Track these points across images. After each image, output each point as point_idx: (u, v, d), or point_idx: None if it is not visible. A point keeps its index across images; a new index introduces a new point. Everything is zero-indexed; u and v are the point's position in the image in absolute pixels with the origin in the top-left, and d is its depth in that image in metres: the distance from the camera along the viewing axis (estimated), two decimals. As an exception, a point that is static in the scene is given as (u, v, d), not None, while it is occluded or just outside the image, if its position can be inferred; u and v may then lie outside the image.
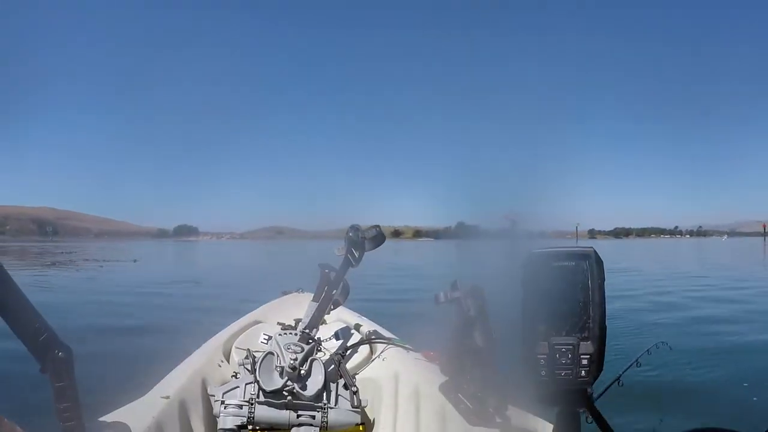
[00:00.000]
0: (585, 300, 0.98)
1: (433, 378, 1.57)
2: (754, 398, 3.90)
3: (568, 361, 0.98)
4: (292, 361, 1.48)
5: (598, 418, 1.12)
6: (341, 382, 1.59)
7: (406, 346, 1.93)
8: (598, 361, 0.99)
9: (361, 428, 1.57)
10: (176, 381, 1.66)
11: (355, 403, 1.54)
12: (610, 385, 1.98)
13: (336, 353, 1.79)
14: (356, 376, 1.77)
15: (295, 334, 1.62)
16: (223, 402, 1.47)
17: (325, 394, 1.52)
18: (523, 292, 1.00)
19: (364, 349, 1.95)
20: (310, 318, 1.70)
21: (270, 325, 2.12)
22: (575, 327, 0.98)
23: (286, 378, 1.47)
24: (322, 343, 1.80)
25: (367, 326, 2.14)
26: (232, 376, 1.68)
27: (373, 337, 1.99)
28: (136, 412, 1.42)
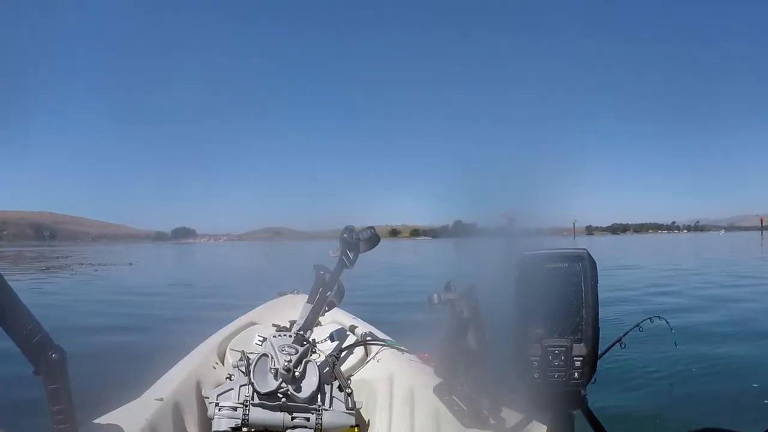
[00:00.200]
0: (578, 302, 0.98)
1: (427, 380, 1.58)
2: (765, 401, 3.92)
3: (561, 363, 0.98)
4: (286, 363, 1.48)
5: (592, 420, 1.13)
6: (336, 383, 1.59)
7: (401, 347, 1.93)
8: (591, 363, 0.99)
9: (355, 430, 1.57)
10: (170, 383, 1.66)
11: (350, 405, 1.54)
12: (611, 346, 1.99)
13: (331, 355, 1.79)
14: (351, 378, 1.77)
15: (290, 336, 1.61)
16: (217, 404, 1.46)
17: (319, 395, 1.51)
18: (516, 293, 1.00)
19: (359, 351, 1.94)
20: (304, 320, 1.70)
21: (265, 326, 2.12)
22: (568, 329, 0.98)
23: (281, 380, 1.47)
24: (317, 345, 1.80)
25: (362, 328, 2.14)
26: (227, 378, 1.68)
27: (368, 338, 1.99)
28: (130, 414, 1.41)
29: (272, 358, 1.51)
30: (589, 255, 1.00)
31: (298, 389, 1.48)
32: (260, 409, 1.46)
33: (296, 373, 1.49)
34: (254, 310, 2.40)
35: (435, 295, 1.32)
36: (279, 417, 1.47)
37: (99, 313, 9.28)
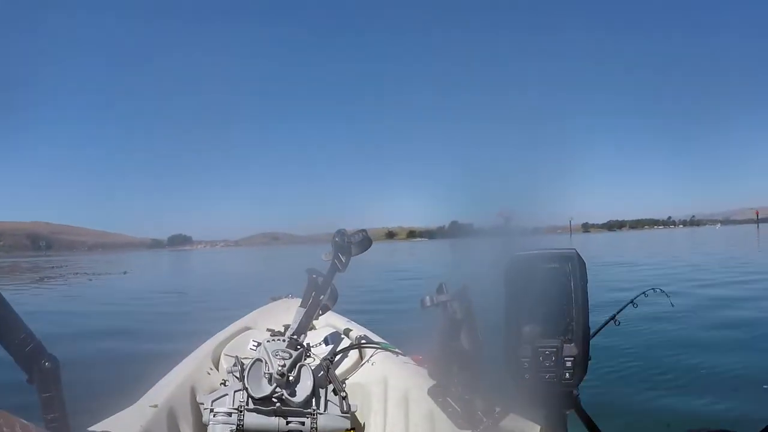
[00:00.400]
0: (568, 302, 0.98)
1: (421, 382, 1.58)
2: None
3: (552, 363, 0.98)
4: (280, 368, 1.47)
5: (586, 419, 1.13)
6: (330, 387, 1.59)
7: (395, 350, 1.93)
8: (582, 363, 0.99)
9: None
10: (165, 389, 1.65)
11: (345, 409, 1.54)
12: (605, 324, 1.99)
13: (325, 359, 1.78)
14: (345, 381, 1.77)
15: (284, 341, 1.61)
16: (212, 410, 1.46)
17: (314, 399, 1.51)
18: (506, 294, 1.00)
19: (353, 354, 1.94)
20: (298, 324, 1.69)
21: (259, 331, 2.11)
22: (559, 329, 0.98)
23: (275, 384, 1.47)
24: (312, 349, 1.80)
25: (357, 331, 2.13)
26: (221, 383, 1.67)
27: (362, 341, 1.99)
28: (124, 421, 1.41)
29: (266, 362, 1.50)
30: (579, 255, 1.00)
31: (293, 393, 1.48)
32: (255, 414, 1.46)
33: (290, 378, 1.49)
34: (248, 315, 2.39)
35: (427, 297, 1.32)
36: (274, 422, 1.47)
37: (92, 321, 9.24)
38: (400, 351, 1.94)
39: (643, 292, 2.26)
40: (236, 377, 1.52)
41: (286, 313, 2.12)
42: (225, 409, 1.46)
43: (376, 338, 2.06)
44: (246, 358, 1.59)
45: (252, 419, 1.45)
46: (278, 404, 1.46)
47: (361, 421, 1.68)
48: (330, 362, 1.76)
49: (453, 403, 1.39)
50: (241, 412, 1.45)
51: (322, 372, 1.68)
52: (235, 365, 1.56)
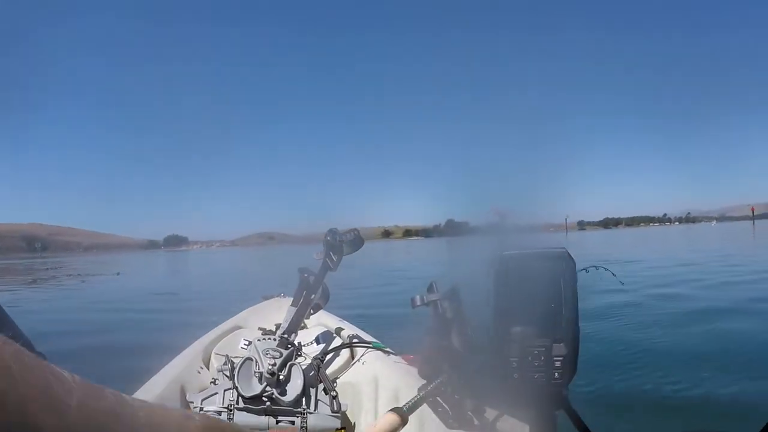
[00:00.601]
0: (557, 301, 0.98)
1: (412, 381, 1.57)
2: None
3: (541, 363, 0.98)
4: (270, 367, 1.47)
5: (575, 419, 1.13)
6: (321, 386, 1.59)
7: (387, 349, 1.93)
8: (571, 362, 0.99)
9: None
10: (155, 388, 1.65)
11: (335, 408, 1.53)
12: None
13: (316, 358, 1.78)
14: (336, 381, 1.77)
15: (274, 340, 1.61)
16: (201, 409, 1.45)
17: (304, 399, 1.51)
18: (495, 294, 1.00)
19: (344, 353, 1.94)
20: (288, 323, 1.69)
21: (250, 330, 2.11)
22: (548, 329, 0.98)
23: (265, 384, 1.46)
24: (303, 348, 1.79)
25: (348, 330, 2.13)
26: (211, 382, 1.67)
27: (353, 341, 1.98)
28: None
29: (256, 361, 1.50)
30: (569, 254, 1.00)
31: (283, 393, 1.48)
32: (245, 413, 1.45)
33: (281, 377, 1.49)
34: (239, 314, 2.39)
35: (417, 296, 1.31)
36: (264, 421, 1.46)
37: (82, 321, 9.22)
38: (391, 350, 1.93)
39: (584, 269, 2.14)
40: (226, 376, 1.51)
41: (278, 312, 2.12)
42: (215, 408, 1.45)
43: (367, 337, 2.06)
44: (236, 357, 1.59)
45: (242, 418, 1.45)
46: (268, 403, 1.46)
47: (352, 421, 1.67)
48: (321, 361, 1.75)
49: (443, 403, 1.38)
50: (230, 410, 1.44)
51: (312, 371, 1.67)
52: (225, 364, 1.55)
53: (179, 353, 2.00)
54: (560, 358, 0.97)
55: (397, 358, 1.88)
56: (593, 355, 4.78)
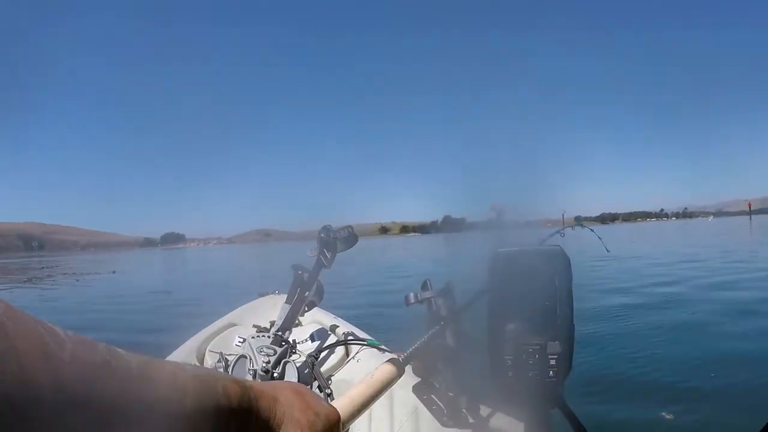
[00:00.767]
0: (552, 299, 0.97)
1: (405, 379, 1.57)
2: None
3: (536, 361, 0.97)
4: (264, 364, 1.46)
5: (570, 417, 1.12)
6: (315, 384, 1.58)
7: (381, 347, 1.92)
8: (566, 360, 0.99)
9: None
10: None
11: None
12: None
13: (310, 355, 1.77)
14: (331, 378, 1.76)
15: (268, 337, 1.60)
16: None
17: None
18: (490, 291, 0.99)
19: (339, 351, 1.93)
20: (283, 320, 1.68)
21: (245, 327, 2.10)
22: (543, 327, 0.98)
23: (259, 381, 1.46)
24: (297, 345, 1.78)
25: (343, 327, 2.12)
26: None
27: (348, 338, 1.98)
28: None
29: (251, 359, 1.49)
30: (563, 252, 1.00)
31: None
32: None
33: (275, 374, 1.48)
34: (234, 311, 2.38)
35: (411, 294, 1.31)
36: None
37: (76, 320, 9.21)
38: (386, 348, 1.93)
39: (570, 227, 2.02)
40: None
41: (273, 309, 2.11)
42: None
43: (362, 335, 2.05)
44: (231, 354, 1.58)
45: None
46: None
47: None
48: (315, 359, 1.75)
49: (437, 401, 1.38)
50: None
51: (307, 369, 1.66)
52: (219, 361, 1.54)
53: (173, 351, 1.99)
54: (555, 356, 0.97)
55: (392, 356, 1.87)
56: (588, 353, 4.79)
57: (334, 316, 2.30)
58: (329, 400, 1.52)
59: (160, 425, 0.36)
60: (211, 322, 2.25)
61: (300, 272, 1.78)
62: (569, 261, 0.99)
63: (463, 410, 1.35)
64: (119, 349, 0.37)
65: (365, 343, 1.94)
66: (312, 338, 2.03)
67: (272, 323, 1.78)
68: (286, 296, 1.86)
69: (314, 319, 2.19)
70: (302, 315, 1.79)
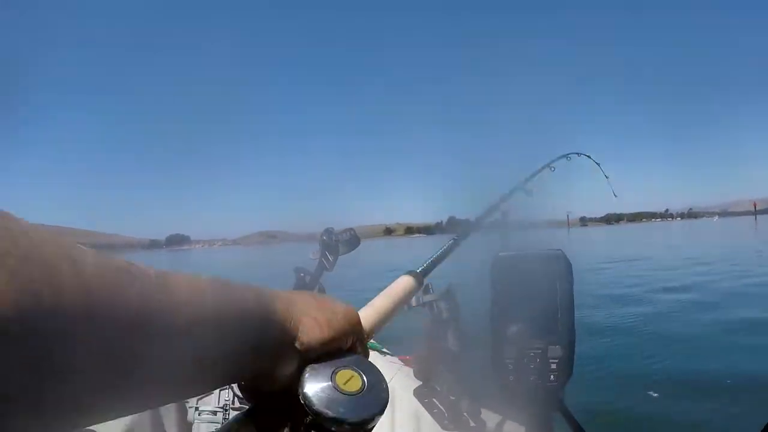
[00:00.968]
0: (553, 303, 0.97)
1: (407, 382, 1.57)
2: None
3: (537, 365, 0.97)
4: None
5: (571, 421, 1.12)
6: None
7: (383, 349, 1.92)
8: (567, 364, 0.99)
9: None
10: None
11: None
12: None
13: None
14: None
15: None
16: (197, 408, 1.45)
17: None
18: (492, 295, 1.00)
19: None
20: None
21: None
22: (544, 331, 0.98)
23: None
24: None
25: None
26: None
27: None
28: (105, 425, 1.39)
29: None
30: (565, 256, 1.00)
31: None
32: (240, 413, 1.45)
33: None
34: None
35: (413, 297, 1.31)
36: None
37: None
38: (387, 351, 1.93)
39: (566, 155, 1.82)
40: None
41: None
42: (210, 408, 1.45)
43: None
44: None
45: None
46: None
47: None
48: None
49: (438, 404, 1.38)
50: (226, 410, 1.44)
51: None
52: None
53: None
54: (556, 361, 0.97)
55: (393, 359, 1.88)
56: (589, 357, 4.77)
57: None
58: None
59: (182, 328, 0.36)
60: None
61: (302, 275, 1.78)
62: (571, 265, 0.99)
63: (464, 414, 1.35)
64: (137, 262, 0.38)
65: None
66: None
67: None
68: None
69: None
70: None
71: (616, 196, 1.60)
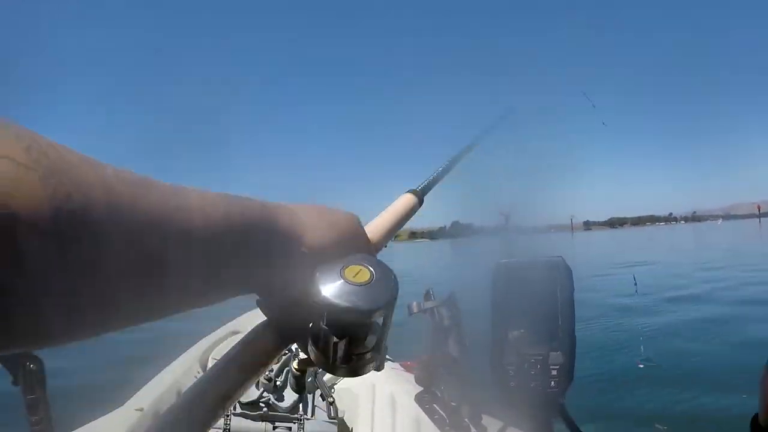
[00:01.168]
0: (554, 310, 0.98)
1: (408, 388, 1.57)
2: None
3: (538, 372, 0.98)
4: (267, 373, 1.47)
5: (572, 428, 1.12)
6: (318, 392, 1.58)
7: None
8: (568, 371, 0.99)
9: None
10: (152, 392, 1.65)
11: (332, 414, 1.53)
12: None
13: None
14: (333, 387, 1.77)
15: None
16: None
17: (301, 405, 1.51)
18: (493, 302, 1.00)
19: None
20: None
21: None
22: (545, 337, 0.98)
23: (262, 389, 1.46)
24: (300, 353, 1.79)
25: None
26: None
27: None
28: (109, 424, 1.40)
29: None
30: (565, 262, 1.00)
31: (280, 398, 1.48)
32: (242, 418, 1.45)
33: (277, 383, 1.49)
34: (237, 318, 2.38)
35: (414, 303, 1.31)
36: (261, 426, 1.46)
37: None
38: (388, 357, 1.93)
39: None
40: None
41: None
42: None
43: None
44: None
45: (239, 423, 1.45)
46: (265, 409, 1.46)
47: (349, 427, 1.67)
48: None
49: (439, 410, 1.38)
50: (228, 416, 1.44)
51: (309, 377, 1.67)
52: None
53: (176, 358, 2.00)
54: (557, 367, 0.97)
55: (395, 365, 1.88)
56: (590, 364, 4.77)
57: None
58: (332, 409, 1.53)
59: (197, 232, 0.38)
60: (214, 330, 2.26)
61: None
62: (571, 272, 1.00)
63: (465, 420, 1.35)
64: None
65: None
66: None
67: None
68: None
69: None
70: None
71: (604, 123, 1.61)
